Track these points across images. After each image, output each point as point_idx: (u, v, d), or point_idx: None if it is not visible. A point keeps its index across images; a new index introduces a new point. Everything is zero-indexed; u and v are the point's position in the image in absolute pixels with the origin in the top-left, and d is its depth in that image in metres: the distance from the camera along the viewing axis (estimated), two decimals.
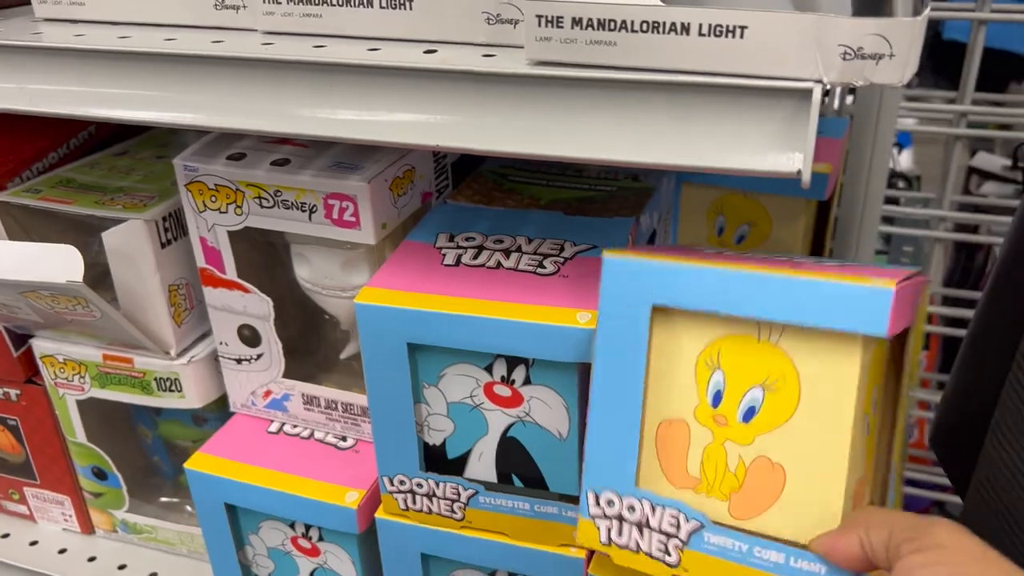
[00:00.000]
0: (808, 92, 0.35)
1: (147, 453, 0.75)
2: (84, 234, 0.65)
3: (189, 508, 0.73)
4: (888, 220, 1.00)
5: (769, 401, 0.40)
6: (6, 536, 0.75)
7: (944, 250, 0.98)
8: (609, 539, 0.43)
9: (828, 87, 0.35)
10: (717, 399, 0.42)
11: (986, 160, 1.08)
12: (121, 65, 0.46)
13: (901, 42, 0.34)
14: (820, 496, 0.39)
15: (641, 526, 0.42)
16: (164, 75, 0.45)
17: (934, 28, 1.14)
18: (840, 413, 0.39)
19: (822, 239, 0.76)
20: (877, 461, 0.44)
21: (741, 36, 0.35)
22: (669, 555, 0.42)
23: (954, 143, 0.81)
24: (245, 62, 0.43)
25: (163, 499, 0.74)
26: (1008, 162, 1.07)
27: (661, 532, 0.42)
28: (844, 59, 0.35)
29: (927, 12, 0.35)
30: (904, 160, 1.35)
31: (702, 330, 0.42)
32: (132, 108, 0.46)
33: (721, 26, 0.36)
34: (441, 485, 0.52)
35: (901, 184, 1.18)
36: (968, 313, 1.02)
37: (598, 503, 0.43)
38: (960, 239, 1.02)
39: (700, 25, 0.36)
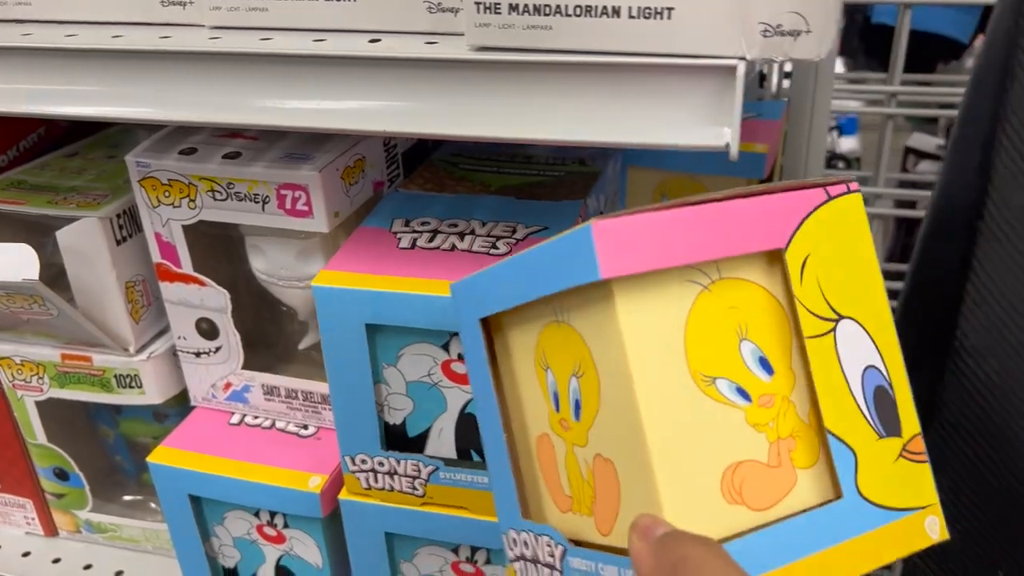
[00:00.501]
0: (733, 69, 0.37)
1: (108, 452, 0.75)
2: (38, 235, 0.65)
3: (153, 505, 0.74)
4: None
5: (583, 389, 0.36)
6: None
7: (884, 228, 1.02)
8: None
9: (753, 63, 0.38)
10: (556, 401, 0.37)
11: (921, 140, 1.13)
12: (69, 62, 0.47)
13: (817, 18, 0.36)
14: (642, 490, 0.33)
15: (536, 562, 0.38)
16: (113, 71, 0.46)
17: (864, 12, 1.18)
18: (624, 384, 0.33)
19: None
20: (799, 432, 0.35)
21: (668, 17, 0.37)
22: None
23: (887, 122, 0.85)
24: (193, 56, 0.44)
25: (127, 497, 0.74)
26: (942, 141, 1.12)
27: (546, 565, 0.37)
28: (765, 36, 0.37)
29: None
30: (849, 144, 1.39)
31: (527, 329, 0.39)
32: (82, 104, 0.47)
33: (649, 8, 0.37)
34: (402, 463, 0.53)
35: (841, 165, 1.22)
36: None
37: (514, 544, 0.40)
38: (896, 215, 1.06)
39: (630, 8, 0.38)
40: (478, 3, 0.40)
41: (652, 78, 0.38)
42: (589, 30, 0.38)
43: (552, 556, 0.37)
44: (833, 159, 1.20)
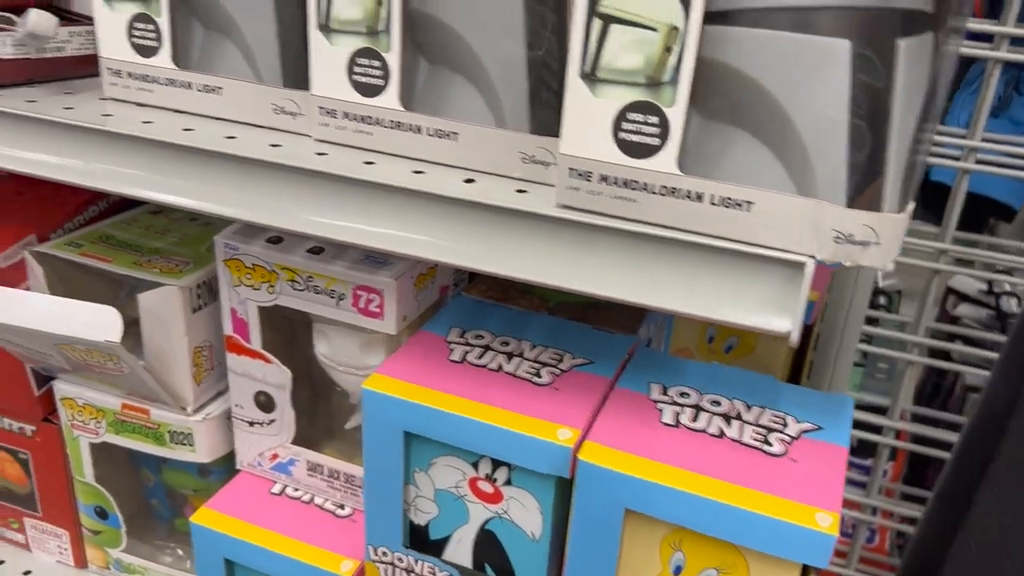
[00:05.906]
0: (802, 265, 0.40)
1: (145, 496, 0.78)
2: (114, 285, 0.69)
3: (181, 552, 0.76)
4: (867, 336, 1.05)
5: None
6: (1, 563, 0.78)
7: (917, 367, 1.04)
8: None
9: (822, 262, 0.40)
10: (677, 572, 0.48)
11: (964, 283, 1.15)
12: (183, 157, 0.51)
13: (887, 233, 0.39)
14: None
15: None
16: (220, 171, 0.50)
17: (924, 169, 1.21)
18: None
19: (803, 353, 0.81)
20: None
21: (748, 209, 0.40)
22: None
23: (933, 276, 0.87)
24: (302, 172, 0.48)
25: (157, 541, 0.77)
26: (984, 286, 1.14)
27: None
28: (836, 242, 0.39)
29: (910, 208, 0.40)
30: (890, 278, 1.41)
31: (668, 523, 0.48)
32: (192, 198, 0.51)
33: (731, 199, 0.41)
34: (419, 563, 0.55)
35: (882, 300, 1.24)
36: (934, 432, 1.07)
37: None
38: (930, 364, 1.07)
39: (712, 195, 0.41)
40: (572, 168, 0.43)
41: (726, 260, 0.41)
42: (672, 209, 0.42)
43: None
44: (876, 294, 1.23)
